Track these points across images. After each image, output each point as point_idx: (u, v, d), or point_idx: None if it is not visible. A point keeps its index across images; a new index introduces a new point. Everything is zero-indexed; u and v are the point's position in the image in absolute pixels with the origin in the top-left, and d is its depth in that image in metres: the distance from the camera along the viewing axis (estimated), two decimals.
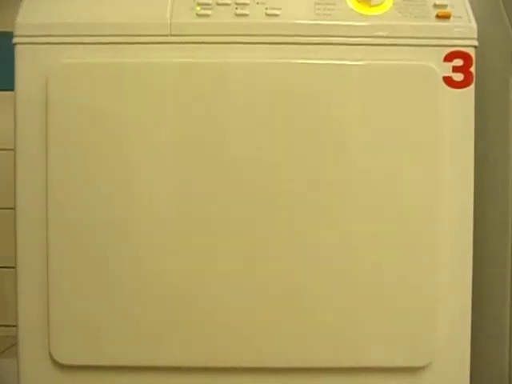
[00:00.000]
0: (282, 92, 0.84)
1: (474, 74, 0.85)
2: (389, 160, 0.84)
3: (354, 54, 0.84)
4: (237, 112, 0.84)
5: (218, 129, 0.84)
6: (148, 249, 0.84)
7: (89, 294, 0.84)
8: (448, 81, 0.85)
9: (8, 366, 1.00)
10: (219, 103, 0.84)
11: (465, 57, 0.85)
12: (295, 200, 0.84)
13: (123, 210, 0.84)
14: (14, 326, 0.87)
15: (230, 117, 0.84)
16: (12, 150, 0.86)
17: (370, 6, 0.86)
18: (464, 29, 0.85)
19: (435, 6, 0.86)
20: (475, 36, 0.85)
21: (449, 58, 0.85)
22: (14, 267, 0.86)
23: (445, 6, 0.86)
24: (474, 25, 0.85)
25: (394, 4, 0.86)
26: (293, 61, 0.84)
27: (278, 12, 0.85)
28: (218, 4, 0.86)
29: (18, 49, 0.85)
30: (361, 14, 0.86)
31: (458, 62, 0.85)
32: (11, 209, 0.86)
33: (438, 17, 0.85)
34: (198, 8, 0.86)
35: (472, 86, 0.85)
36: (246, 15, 0.85)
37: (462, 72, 0.85)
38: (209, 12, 0.85)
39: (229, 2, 0.86)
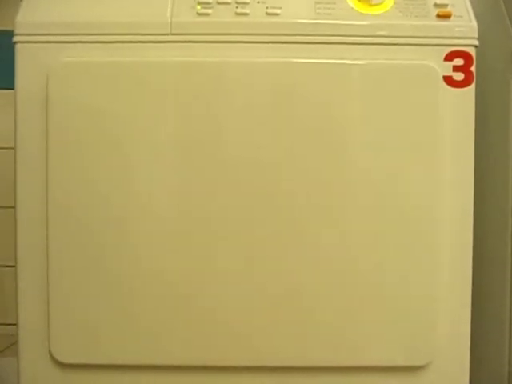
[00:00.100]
0: (282, 91, 0.84)
1: (474, 73, 0.85)
2: (389, 159, 0.84)
3: (355, 53, 0.84)
4: (237, 111, 0.84)
5: (217, 128, 0.84)
6: (147, 248, 0.84)
7: (89, 292, 0.84)
8: (448, 80, 0.85)
9: (8, 365, 1.00)
10: (219, 102, 0.84)
11: (465, 56, 0.85)
12: (295, 199, 0.84)
13: (123, 208, 0.84)
14: (14, 324, 0.87)
15: (229, 116, 0.84)
16: (12, 148, 0.86)
17: (371, 6, 0.86)
18: (464, 28, 0.85)
19: (436, 5, 0.86)
20: (476, 35, 0.85)
21: (449, 57, 0.85)
22: (14, 266, 0.86)
23: (445, 6, 0.86)
24: (474, 24, 0.85)
25: (394, 3, 0.86)
26: (293, 60, 0.84)
27: (278, 11, 0.85)
28: (219, 3, 0.85)
29: (18, 47, 0.86)
30: (361, 14, 0.86)
31: (459, 62, 0.85)
32: (11, 207, 0.86)
33: (438, 16, 0.85)
34: (199, 7, 0.86)
35: (472, 86, 0.85)
36: (246, 14, 0.85)
37: (463, 71, 0.85)
38: (209, 11, 0.85)
39: (229, 0, 0.86)
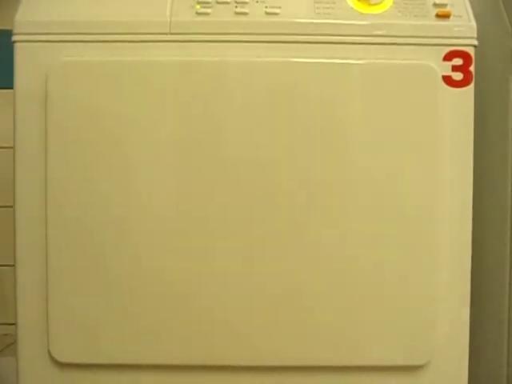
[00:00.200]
0: (281, 91, 0.84)
1: (473, 73, 0.85)
2: (388, 159, 0.84)
3: (354, 52, 0.84)
4: (236, 110, 0.84)
5: (216, 127, 0.84)
6: (147, 247, 0.84)
7: (88, 292, 0.84)
8: (447, 80, 0.85)
9: (7, 364, 1.00)
10: (218, 101, 0.84)
11: (464, 56, 0.85)
12: (294, 199, 0.84)
13: (122, 208, 0.84)
14: (13, 324, 0.87)
15: (229, 115, 0.84)
16: (11, 147, 0.86)
17: (370, 5, 0.86)
18: (464, 28, 0.85)
19: (435, 5, 0.86)
20: (475, 35, 0.85)
21: (448, 57, 0.85)
22: (13, 265, 0.86)
23: (445, 5, 0.86)
24: (473, 24, 0.85)
25: (393, 3, 0.86)
26: (292, 60, 0.84)
27: (277, 11, 0.85)
28: (218, 2, 0.85)
29: (18, 47, 0.85)
30: (360, 13, 0.86)
31: (458, 62, 0.85)
32: (10, 207, 0.86)
33: (437, 16, 0.85)
34: (198, 6, 0.86)
35: (471, 86, 0.85)
36: (245, 14, 0.85)
37: (462, 71, 0.85)
38: (208, 10, 0.85)
39: (228, 0, 0.85)
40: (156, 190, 0.84)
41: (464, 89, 0.85)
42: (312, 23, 0.85)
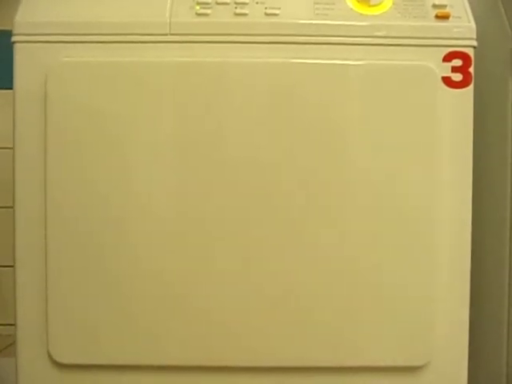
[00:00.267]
0: (280, 91, 0.84)
1: (472, 74, 0.85)
2: (387, 160, 0.84)
3: (353, 53, 0.84)
4: (235, 111, 0.84)
5: (216, 128, 0.84)
6: (146, 248, 0.84)
7: (87, 292, 0.84)
8: (447, 81, 0.85)
9: (6, 365, 1.00)
10: (218, 102, 0.84)
11: (464, 57, 0.85)
12: (294, 200, 0.84)
13: (121, 208, 0.84)
14: (12, 324, 0.87)
15: (228, 116, 0.84)
16: (11, 148, 0.86)
17: (369, 6, 0.86)
18: (463, 29, 0.85)
19: (434, 6, 0.86)
20: (474, 36, 0.85)
21: (448, 58, 0.85)
22: (12, 266, 0.86)
23: (444, 7, 0.86)
24: (473, 25, 0.85)
25: (393, 4, 0.86)
26: (292, 60, 0.84)
27: (277, 11, 0.85)
28: (218, 3, 0.86)
29: (17, 47, 0.85)
30: (360, 14, 0.86)
31: (457, 63, 0.85)
32: (10, 207, 0.86)
33: (437, 17, 0.85)
34: (198, 7, 0.86)
35: (471, 87, 0.85)
36: (245, 14, 0.85)
37: (461, 72, 0.85)
38: (208, 11, 0.85)
39: (228, 1, 0.86)
40: (155, 190, 0.84)
41: (463, 90, 0.85)
42: (311, 24, 0.85)
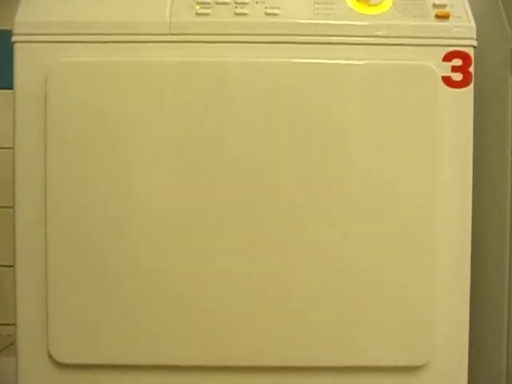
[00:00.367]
0: (280, 91, 0.84)
1: (472, 73, 0.85)
2: (388, 159, 0.84)
3: (353, 53, 0.84)
4: (236, 111, 0.84)
5: (216, 128, 0.84)
6: (146, 247, 0.84)
7: (87, 292, 0.84)
8: (447, 81, 0.85)
9: (7, 365, 1.00)
10: (218, 102, 0.84)
11: (464, 57, 0.85)
12: (294, 199, 0.84)
13: (122, 208, 0.84)
14: (12, 324, 0.87)
15: (228, 116, 0.84)
16: (11, 148, 0.86)
17: (369, 6, 0.86)
18: (463, 29, 0.85)
19: (434, 5, 0.86)
20: (474, 36, 0.85)
21: (448, 57, 0.85)
22: (12, 266, 0.86)
23: (444, 6, 0.86)
24: (473, 25, 0.85)
25: (393, 4, 0.86)
26: (292, 60, 0.84)
27: (277, 11, 0.85)
28: (218, 3, 0.86)
29: (17, 47, 0.85)
30: (360, 14, 0.86)
31: (457, 62, 0.85)
32: (10, 207, 0.86)
33: (437, 17, 0.85)
34: (198, 7, 0.86)
35: (471, 86, 0.85)
36: (245, 14, 0.85)
37: (461, 72, 0.85)
38: (208, 11, 0.85)
39: (228, 1, 0.86)
40: (156, 190, 0.84)
41: (463, 89, 0.85)
42: (311, 24, 0.85)
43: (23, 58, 0.85)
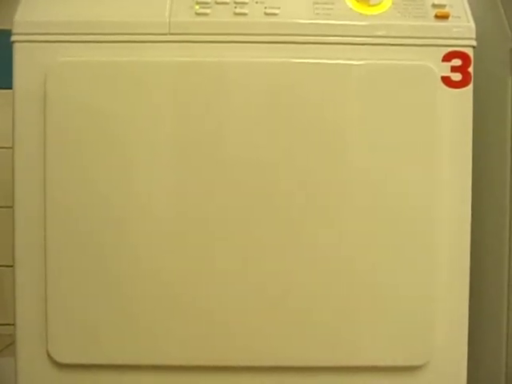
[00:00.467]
0: (280, 91, 0.84)
1: (472, 74, 0.85)
2: (387, 160, 0.84)
3: (353, 53, 0.84)
4: (235, 111, 0.84)
5: (216, 128, 0.84)
6: (146, 248, 0.84)
7: (87, 292, 0.84)
8: (446, 81, 0.85)
9: (6, 365, 1.00)
10: (218, 102, 0.84)
11: (463, 57, 0.85)
12: (293, 200, 0.84)
13: (121, 208, 0.84)
14: (12, 324, 0.87)
15: (228, 116, 0.84)
16: (10, 148, 0.86)
17: (369, 6, 0.86)
18: (462, 29, 0.85)
19: (434, 5, 0.86)
20: (473, 36, 0.85)
21: (447, 57, 0.85)
22: (12, 266, 0.86)
23: (443, 6, 0.86)
24: (472, 25, 0.85)
25: (392, 4, 0.86)
26: (291, 60, 0.84)
27: (276, 11, 0.85)
28: (217, 3, 0.85)
29: (17, 47, 0.85)
30: (359, 14, 0.86)
31: (457, 62, 0.85)
32: (9, 207, 0.86)
33: (436, 17, 0.85)
34: (197, 7, 0.86)
35: (470, 86, 0.85)
36: (244, 14, 0.85)
37: (461, 72, 0.85)
38: (208, 11, 0.85)
39: (228, 0, 0.86)
40: (155, 190, 0.84)
41: (463, 89, 0.85)
42: (311, 24, 0.85)
43: (23, 58, 0.85)
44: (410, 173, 0.84)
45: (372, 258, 0.84)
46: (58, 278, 0.84)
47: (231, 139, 0.84)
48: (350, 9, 0.86)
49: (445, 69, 0.85)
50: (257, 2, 0.86)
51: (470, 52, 0.85)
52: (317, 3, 0.87)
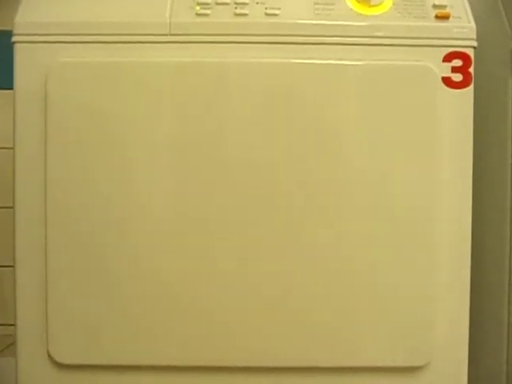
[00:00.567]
0: (280, 92, 0.84)
1: (472, 74, 0.85)
2: (387, 160, 0.84)
3: (353, 54, 0.85)
4: (235, 111, 0.84)
5: (216, 128, 0.84)
6: (146, 248, 0.84)
7: (87, 293, 0.84)
8: (447, 81, 0.85)
9: (6, 365, 1.00)
10: (218, 103, 0.84)
11: (464, 57, 0.85)
12: (293, 200, 0.84)
13: (121, 208, 0.84)
14: (12, 324, 0.87)
15: (228, 116, 0.84)
16: (11, 148, 0.86)
17: (370, 6, 0.86)
18: (463, 29, 0.85)
19: (434, 6, 0.86)
20: (474, 36, 0.85)
21: (448, 58, 0.85)
22: (12, 266, 0.86)
23: (444, 7, 0.86)
24: (473, 25, 0.85)
25: (393, 4, 0.86)
26: (292, 60, 0.84)
27: (277, 12, 0.85)
28: (218, 3, 0.86)
29: (17, 47, 0.85)
30: (360, 14, 0.86)
31: (457, 63, 0.85)
32: (10, 208, 0.86)
33: (437, 17, 0.85)
34: (198, 7, 0.86)
35: (471, 87, 0.85)
36: (245, 15, 0.85)
37: (461, 72, 0.85)
38: (208, 11, 0.85)
39: (228, 1, 0.86)
40: (155, 190, 0.84)
41: (463, 90, 0.85)
42: (311, 24, 0.85)
43: (23, 59, 0.85)
44: (410, 173, 0.84)
45: (372, 258, 0.84)
46: (59, 279, 0.84)
47: (231, 139, 0.84)
48: (351, 9, 0.86)
49: (445, 69, 0.85)
50: (257, 3, 0.86)
51: (470, 52, 0.85)
52: (317, 4, 0.87)
